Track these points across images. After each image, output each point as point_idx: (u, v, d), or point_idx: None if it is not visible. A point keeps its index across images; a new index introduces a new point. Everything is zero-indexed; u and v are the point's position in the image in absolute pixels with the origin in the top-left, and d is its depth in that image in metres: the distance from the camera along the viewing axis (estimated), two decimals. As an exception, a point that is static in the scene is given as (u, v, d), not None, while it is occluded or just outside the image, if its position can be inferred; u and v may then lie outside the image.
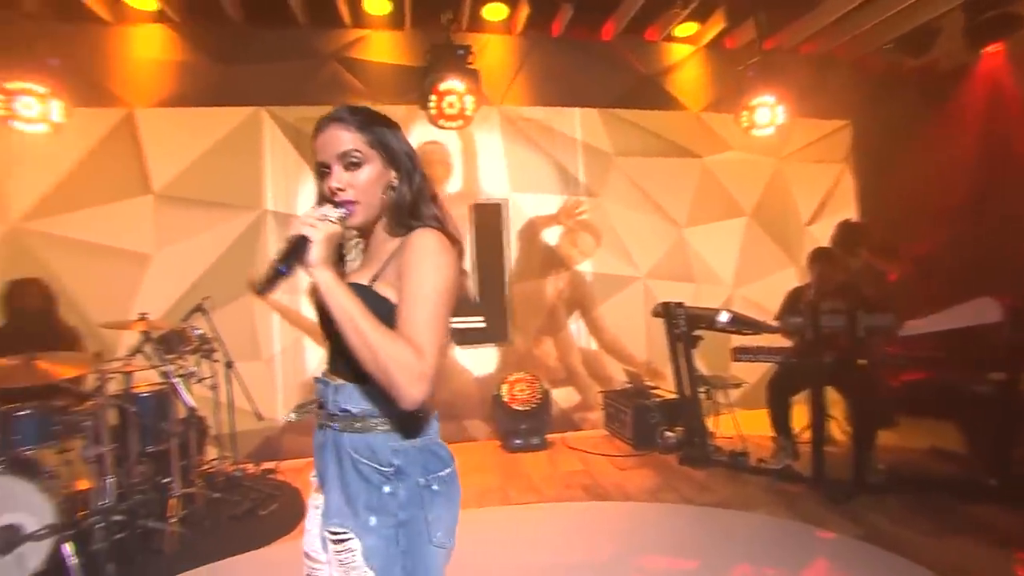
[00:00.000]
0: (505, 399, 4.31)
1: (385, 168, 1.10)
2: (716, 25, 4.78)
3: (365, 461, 1.06)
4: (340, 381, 1.09)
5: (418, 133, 4.49)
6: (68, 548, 2.47)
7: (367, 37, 4.56)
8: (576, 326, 4.84)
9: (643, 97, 4.96)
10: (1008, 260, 4.01)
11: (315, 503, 1.17)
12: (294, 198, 4.38)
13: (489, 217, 4.68)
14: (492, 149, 4.72)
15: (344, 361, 1.04)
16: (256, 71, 4.36)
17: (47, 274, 3.72)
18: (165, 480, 3.14)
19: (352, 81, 4.53)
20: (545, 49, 4.83)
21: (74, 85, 3.78)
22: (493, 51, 4.75)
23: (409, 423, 1.08)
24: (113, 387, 2.94)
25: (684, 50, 5.05)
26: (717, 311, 3.48)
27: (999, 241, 4.21)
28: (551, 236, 4.80)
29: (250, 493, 3.45)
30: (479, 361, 4.68)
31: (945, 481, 3.22)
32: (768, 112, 4.56)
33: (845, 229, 4.26)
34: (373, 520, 1.03)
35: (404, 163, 1.12)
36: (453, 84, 4.05)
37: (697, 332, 3.73)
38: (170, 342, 3.32)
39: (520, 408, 4.31)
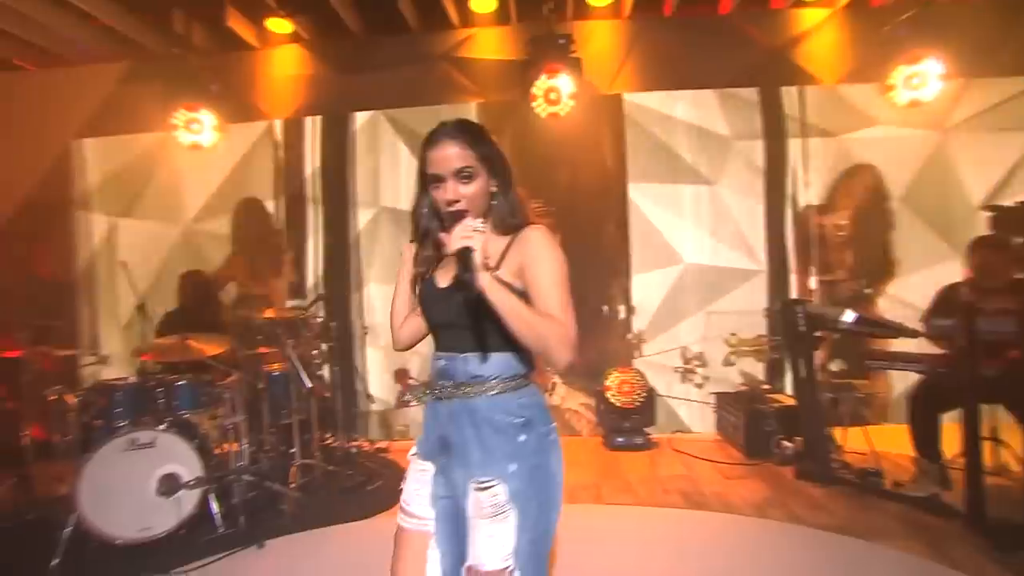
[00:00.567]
0: (608, 395, 4.20)
1: (489, 178, 1.25)
2: (858, -18, 4.18)
3: (500, 416, 1.23)
4: (467, 354, 1.25)
5: (521, 126, 4.53)
6: (213, 499, 2.91)
7: (474, 36, 4.68)
8: (691, 322, 4.55)
9: (767, 73, 4.49)
10: None
11: (419, 467, 1.34)
12: (407, 194, 4.67)
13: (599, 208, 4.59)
14: (601, 139, 4.60)
15: (469, 337, 1.24)
16: (374, 78, 4.70)
17: (209, 267, 4.39)
18: (291, 450, 3.57)
19: (461, 80, 4.69)
20: (656, 31, 4.58)
21: (228, 105, 4.39)
22: (600, 38, 4.62)
23: (524, 383, 1.28)
24: (249, 366, 3.39)
25: (817, 15, 4.47)
26: (841, 310, 3.05)
27: None
28: (666, 228, 4.55)
29: (362, 468, 3.77)
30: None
31: None
32: (926, 76, 3.88)
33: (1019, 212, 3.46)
34: (513, 466, 1.20)
35: (502, 172, 1.27)
36: (555, 74, 4.00)
37: (820, 333, 3.32)
38: (296, 328, 3.73)
39: (623, 406, 4.18)
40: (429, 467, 1.32)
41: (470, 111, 4.65)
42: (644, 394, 4.19)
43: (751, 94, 4.49)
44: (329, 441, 4.09)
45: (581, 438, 4.52)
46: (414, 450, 1.38)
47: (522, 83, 4.05)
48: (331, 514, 3.13)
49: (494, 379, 1.24)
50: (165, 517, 2.79)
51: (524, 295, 1.19)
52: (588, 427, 4.52)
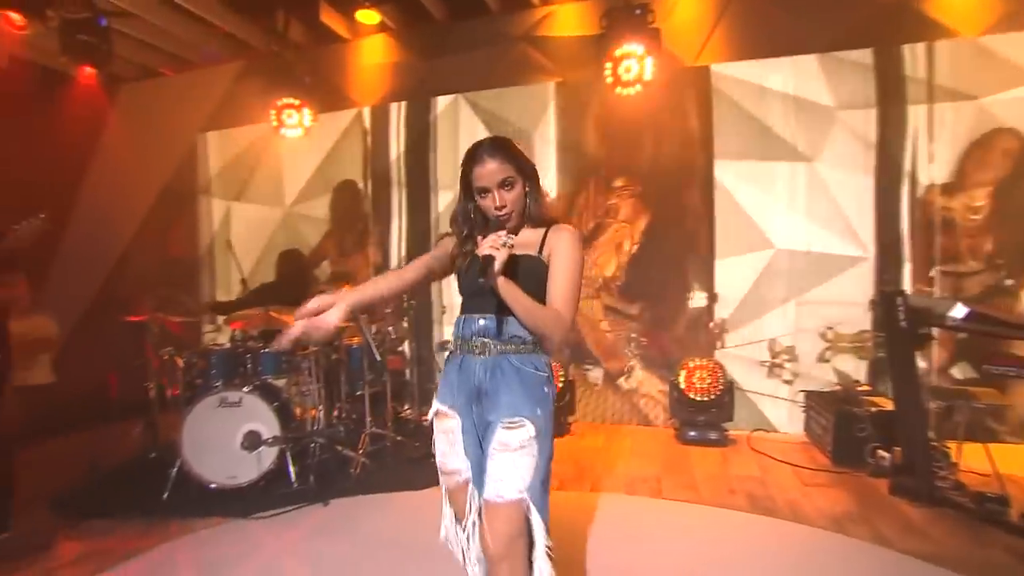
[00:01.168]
0: (683, 386, 3.99)
1: (523, 183, 1.52)
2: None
3: (531, 371, 1.48)
4: (511, 316, 1.46)
5: (601, 104, 4.38)
6: (289, 457, 3.22)
7: (554, 13, 4.58)
8: (780, 313, 4.16)
9: (885, 29, 3.90)
10: None
11: (444, 428, 1.54)
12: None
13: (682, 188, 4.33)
14: (685, 114, 4.31)
15: (497, 307, 1.47)
16: (455, 62, 4.79)
17: (306, 246, 4.79)
18: (367, 419, 3.82)
19: (539, 59, 4.62)
20: (749, -8, 4.17)
21: (321, 95, 4.72)
22: (686, 7, 4.29)
23: (542, 347, 1.53)
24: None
25: (955, -46, 3.79)
26: (951, 303, 2.60)
27: None
28: (755, 209, 4.18)
29: (430, 441, 3.93)
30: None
31: None
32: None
33: None
34: (539, 411, 1.46)
35: (533, 177, 1.54)
36: (631, 47, 3.80)
37: (925, 330, 2.87)
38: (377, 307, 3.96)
39: (698, 398, 3.95)
40: (453, 424, 1.52)
41: (548, 91, 4.58)
42: (722, 387, 3.93)
43: (863, 56, 3.93)
44: (404, 413, 4.32)
45: (653, 428, 4.35)
46: (435, 410, 1.57)
47: (597, 59, 3.88)
48: (394, 481, 3.31)
49: (525, 339, 1.49)
50: (248, 469, 3.13)
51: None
52: (664, 416, 4.33)
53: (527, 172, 1.53)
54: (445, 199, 4.81)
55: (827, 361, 4.04)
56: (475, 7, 4.60)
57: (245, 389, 3.18)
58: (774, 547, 2.52)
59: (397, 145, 4.92)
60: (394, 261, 4.93)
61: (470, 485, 1.51)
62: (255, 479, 3.12)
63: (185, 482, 3.09)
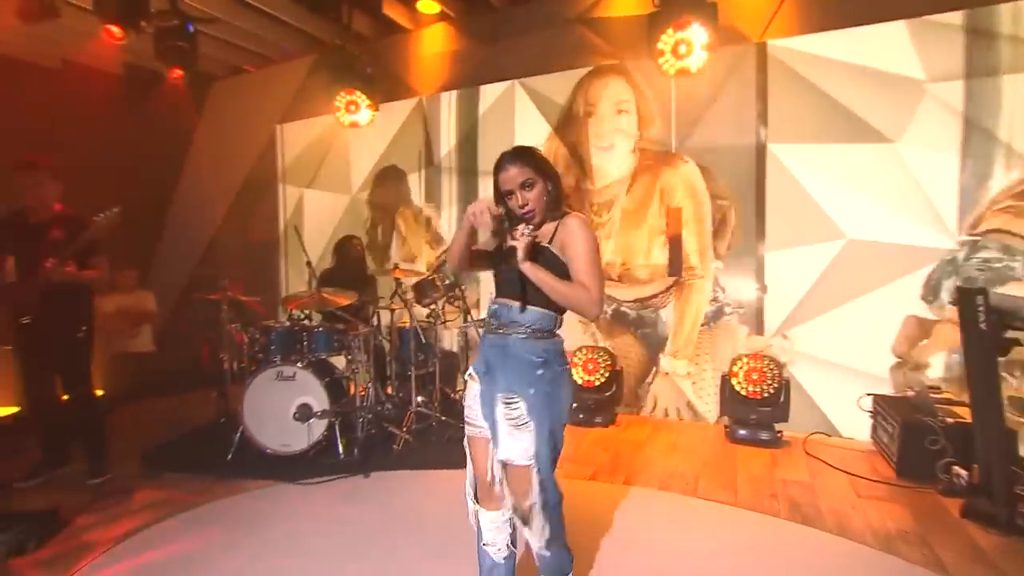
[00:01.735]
0: (734, 383, 3.81)
1: (544, 183, 1.69)
2: None
3: (525, 355, 1.66)
4: (514, 305, 1.69)
5: (657, 84, 4.20)
6: (337, 430, 3.45)
7: (610, -7, 4.43)
8: (851, 308, 3.82)
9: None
10: None
11: (473, 389, 1.78)
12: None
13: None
14: (745, 94, 4.03)
15: (517, 294, 1.68)
16: (512, 46, 4.78)
17: (365, 233, 5.03)
18: (418, 398, 3.99)
19: (595, 40, 4.50)
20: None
21: (384, 85, 4.90)
22: (752, -24, 3.98)
23: (547, 332, 1.71)
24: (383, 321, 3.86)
25: None
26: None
27: None
28: (824, 195, 3.85)
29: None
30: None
31: None
32: None
33: None
34: (532, 390, 1.64)
35: (552, 177, 1.72)
36: (685, 25, 3.59)
37: (1010, 334, 2.52)
38: (423, 288, 4.10)
39: (750, 395, 3.74)
40: (476, 388, 1.76)
41: (601, 73, 4.47)
42: (777, 385, 3.69)
43: (956, 18, 3.45)
44: (455, 395, 4.46)
45: (704, 424, 4.18)
46: (469, 373, 1.82)
47: (649, 38, 3.71)
48: (434, 459, 3.45)
49: (526, 327, 1.68)
50: (300, 438, 3.40)
51: (565, 264, 1.65)
52: (718, 413, 4.15)
53: (546, 173, 1.70)
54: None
55: (905, 363, 3.67)
56: (533, -9, 4.56)
57: (299, 364, 3.44)
58: (803, 559, 2.37)
59: (455, 132, 5.01)
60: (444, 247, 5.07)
61: (489, 442, 1.73)
62: (305, 448, 3.39)
63: (246, 446, 3.42)
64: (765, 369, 3.74)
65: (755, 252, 4.04)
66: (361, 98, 4.65)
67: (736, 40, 3.97)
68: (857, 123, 3.72)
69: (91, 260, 3.16)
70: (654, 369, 4.39)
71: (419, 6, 4.83)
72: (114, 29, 3.50)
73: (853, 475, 3.19)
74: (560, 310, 1.71)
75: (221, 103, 5.96)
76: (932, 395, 3.33)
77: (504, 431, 1.64)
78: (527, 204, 1.67)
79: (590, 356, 4.23)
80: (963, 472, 2.91)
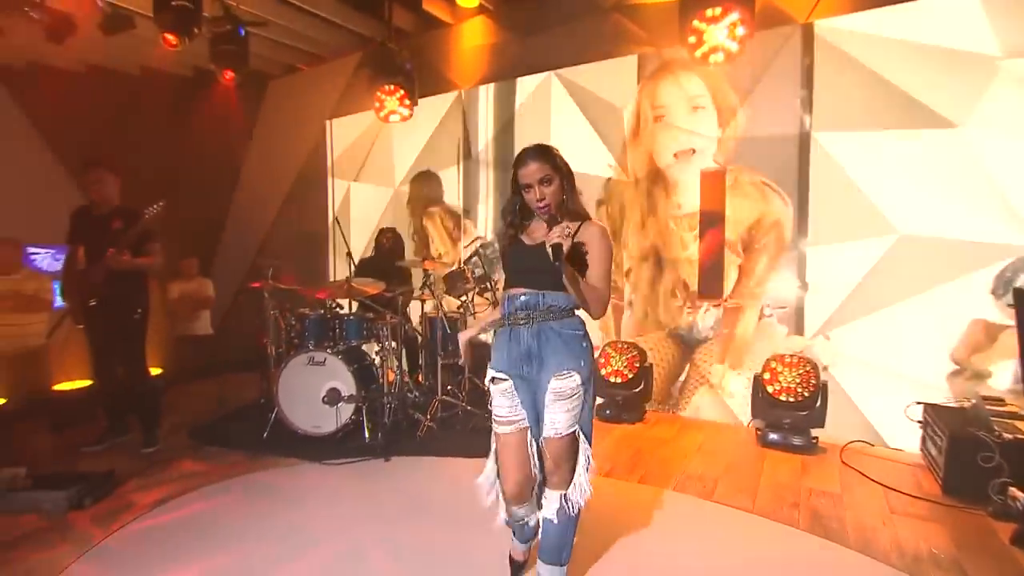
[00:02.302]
0: (766, 384, 3.62)
1: (561, 181, 1.82)
2: None
3: (571, 332, 1.83)
4: (546, 291, 1.83)
5: (690, 72, 4.03)
6: (364, 415, 3.61)
7: (649, -22, 4.28)
8: (903, 309, 3.53)
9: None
10: None
11: (502, 388, 1.85)
12: (575, 153, 4.64)
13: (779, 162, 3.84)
14: (787, 79, 3.79)
15: (548, 281, 1.79)
16: (549, 37, 4.73)
17: (409, 225, 5.18)
18: (447, 387, 4.08)
19: (632, 28, 4.37)
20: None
21: (424, 80, 4.99)
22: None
23: (575, 313, 1.87)
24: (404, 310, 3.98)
25: None
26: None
27: None
28: (874, 187, 3.56)
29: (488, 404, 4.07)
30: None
31: None
32: None
33: None
34: (582, 362, 1.82)
35: (568, 176, 1.85)
36: (719, 11, 3.41)
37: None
38: (453, 280, 4.19)
39: (783, 398, 3.56)
40: (508, 385, 1.84)
41: (632, 64, 4.34)
42: (812, 389, 3.48)
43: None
44: (484, 385, 4.52)
45: (736, 426, 4.02)
46: (492, 375, 1.88)
47: (681, 24, 3.56)
48: (455, 447, 3.53)
49: (560, 308, 1.83)
50: (329, 421, 3.58)
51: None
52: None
53: (563, 172, 1.83)
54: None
55: (964, 370, 3.35)
56: (570, -20, 4.49)
57: (329, 351, 3.62)
58: (810, 573, 2.24)
59: (492, 125, 5.04)
60: (490, 238, 5.10)
61: (528, 432, 1.83)
62: (334, 431, 3.56)
63: (280, 426, 3.64)
64: (801, 371, 3.53)
65: (796, 248, 3.80)
66: (400, 93, 4.76)
67: (779, 22, 3.74)
68: (915, 107, 3.40)
69: (146, 248, 3.48)
70: (687, 367, 4.25)
71: (459, 1, 4.88)
72: (170, 37, 3.78)
73: (890, 489, 2.96)
74: None
75: (277, 101, 6.30)
76: (991, 407, 3.02)
77: (553, 408, 1.78)
78: (544, 199, 1.79)
79: (618, 351, 4.16)
80: (1021, 495, 2.63)
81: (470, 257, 4.35)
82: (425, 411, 3.85)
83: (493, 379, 1.87)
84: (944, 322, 3.37)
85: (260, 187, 6.38)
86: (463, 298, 4.18)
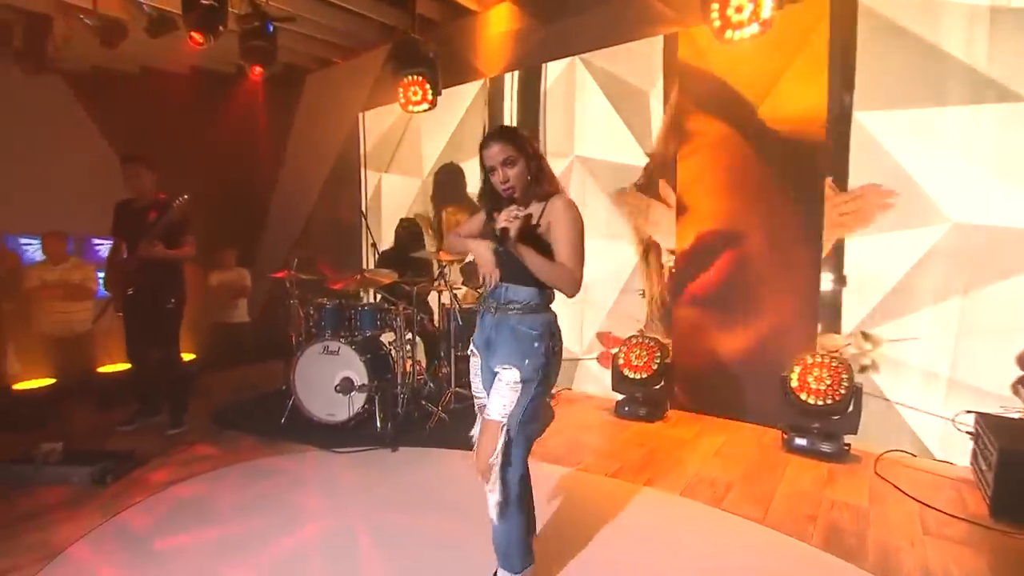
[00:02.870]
0: (794, 385, 3.37)
1: (526, 163, 1.76)
2: None
3: (525, 329, 1.79)
4: (507, 284, 1.82)
5: (720, 51, 3.76)
6: (377, 404, 3.65)
7: (677, -46, 4.02)
8: (952, 307, 3.16)
9: None
10: None
11: (473, 364, 1.97)
12: (603, 142, 4.48)
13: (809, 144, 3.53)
14: (815, 54, 3.46)
15: (512, 275, 1.79)
16: (574, 22, 4.57)
17: (433, 217, 5.18)
18: (464, 380, 4.06)
19: (660, 9, 4.14)
20: None
21: (450, 68, 4.94)
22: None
23: (541, 310, 1.82)
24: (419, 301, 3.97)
25: None
26: None
27: None
28: (918, 169, 3.21)
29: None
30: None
31: None
32: None
33: None
34: (527, 361, 1.77)
35: (535, 158, 1.78)
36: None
37: None
38: (469, 272, 4.15)
39: (810, 400, 3.29)
40: (476, 361, 1.94)
41: (657, 45, 4.11)
42: (845, 391, 3.20)
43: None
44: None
45: (761, 429, 3.76)
46: (471, 349, 1.97)
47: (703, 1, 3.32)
48: (463, 439, 3.47)
49: (521, 303, 1.80)
50: (342, 409, 3.64)
51: (550, 245, 1.75)
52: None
53: (528, 153, 1.78)
54: (558, 166, 4.70)
55: None
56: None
57: (343, 340, 3.67)
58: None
59: (518, 112, 4.93)
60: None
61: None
62: (347, 419, 3.62)
63: (297, 413, 3.74)
64: (832, 371, 3.25)
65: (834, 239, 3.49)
66: (423, 83, 4.73)
67: (816, -10, 3.42)
68: (973, 79, 3.02)
69: (179, 240, 3.65)
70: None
71: (484, -14, 4.79)
72: (196, 36, 3.92)
73: (927, 506, 2.67)
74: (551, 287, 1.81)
75: (314, 94, 6.45)
76: (1051, 419, 2.67)
77: (494, 392, 1.79)
78: (507, 180, 1.76)
79: (638, 346, 4.00)
80: (1079, 519, 2.31)
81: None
82: (438, 402, 3.85)
83: (471, 352, 1.97)
84: (1007, 321, 2.99)
85: (299, 179, 6.58)
86: (480, 290, 4.13)
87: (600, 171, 4.51)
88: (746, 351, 3.87)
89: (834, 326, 3.52)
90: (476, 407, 2.01)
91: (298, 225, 6.54)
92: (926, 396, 3.24)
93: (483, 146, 1.79)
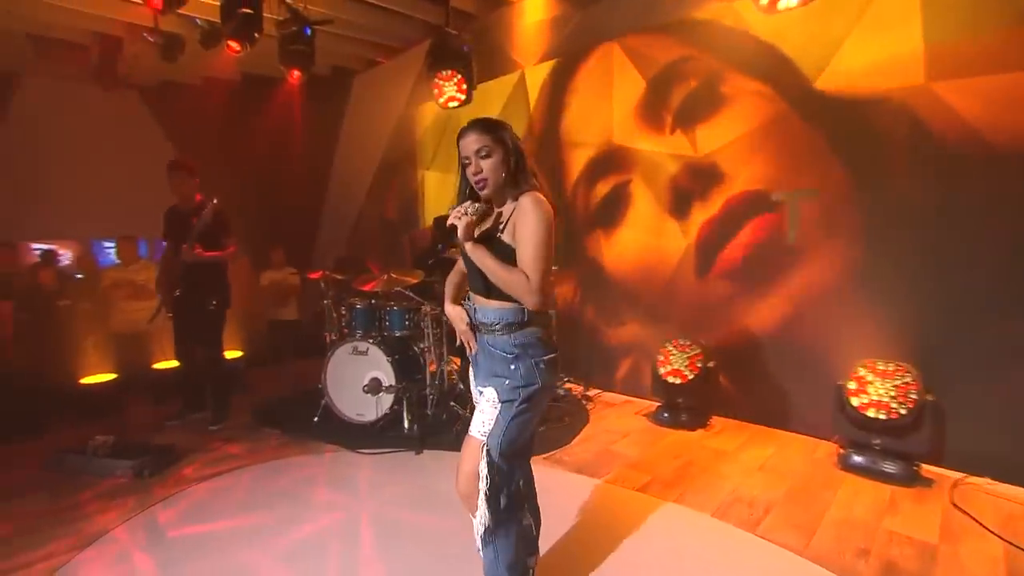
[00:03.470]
0: (851, 398, 2.98)
1: (505, 155, 1.63)
2: None
3: (499, 351, 1.67)
4: (479, 302, 1.72)
5: (766, 26, 3.38)
6: (405, 406, 3.62)
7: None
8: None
9: None
10: None
11: (472, 376, 1.88)
12: (632, 128, 4.21)
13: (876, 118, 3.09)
14: (892, 23, 3.01)
15: (479, 288, 1.70)
16: (610, 6, 4.32)
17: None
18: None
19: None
20: None
21: (488, 61, 4.82)
22: None
23: (520, 327, 1.65)
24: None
25: None
26: None
27: None
28: (1009, 147, 2.72)
29: (553, 409, 3.86)
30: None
31: None
32: None
33: None
34: (507, 382, 1.65)
35: (513, 152, 1.65)
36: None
37: None
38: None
39: (871, 414, 2.90)
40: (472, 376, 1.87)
41: (692, 26, 3.77)
42: (911, 405, 2.79)
43: None
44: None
45: (815, 441, 3.38)
46: (472, 357, 1.87)
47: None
48: (490, 443, 3.41)
49: (496, 325, 1.67)
50: (371, 409, 3.65)
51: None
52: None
53: (507, 146, 1.64)
54: (584, 156, 4.48)
55: None
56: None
57: (372, 341, 3.67)
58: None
59: (554, 101, 4.74)
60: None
61: None
62: (375, 420, 3.62)
63: (329, 412, 3.79)
64: (898, 382, 2.84)
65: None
66: (457, 78, 4.64)
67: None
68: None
69: (223, 242, 3.79)
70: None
71: (520, -25, 4.63)
72: (233, 44, 4.04)
73: (1014, 546, 2.26)
74: None
75: (361, 95, 6.56)
76: None
77: (476, 409, 1.72)
78: (480, 172, 1.63)
79: (678, 349, 3.72)
80: None
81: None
82: (466, 405, 3.76)
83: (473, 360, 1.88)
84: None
85: (349, 182, 6.73)
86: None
87: (642, 161, 4.24)
88: (798, 351, 3.49)
89: (903, 329, 3.08)
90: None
91: (348, 224, 6.70)
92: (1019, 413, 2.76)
93: (459, 136, 1.67)
